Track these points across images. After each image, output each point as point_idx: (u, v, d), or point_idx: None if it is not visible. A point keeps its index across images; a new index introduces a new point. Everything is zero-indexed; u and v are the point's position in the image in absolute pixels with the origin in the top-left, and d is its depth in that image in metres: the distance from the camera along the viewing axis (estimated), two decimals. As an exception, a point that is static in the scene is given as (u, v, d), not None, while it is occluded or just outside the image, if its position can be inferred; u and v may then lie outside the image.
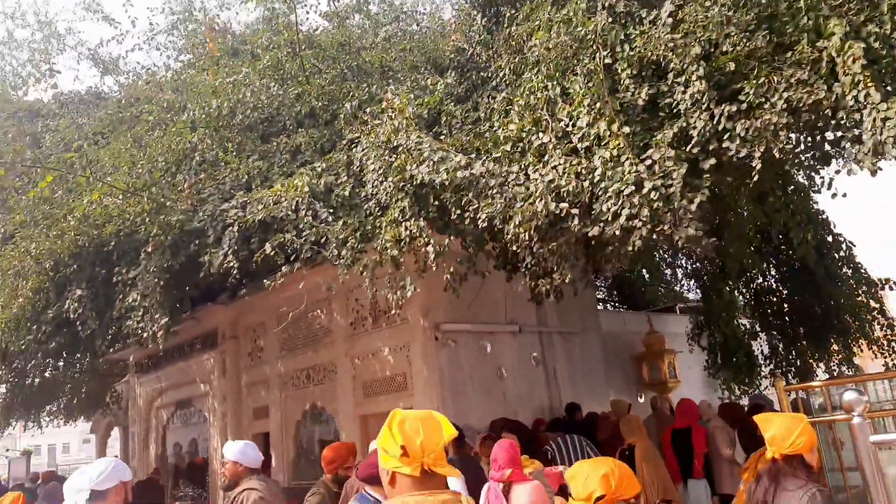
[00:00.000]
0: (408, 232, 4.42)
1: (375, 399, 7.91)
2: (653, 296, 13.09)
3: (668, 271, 12.89)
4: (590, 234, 3.76)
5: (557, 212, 3.71)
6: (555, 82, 4.36)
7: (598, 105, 3.92)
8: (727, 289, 10.25)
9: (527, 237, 3.88)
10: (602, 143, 3.86)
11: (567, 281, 4.08)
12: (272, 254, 5.03)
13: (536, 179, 3.91)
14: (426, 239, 4.36)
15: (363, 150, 5.16)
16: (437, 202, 4.55)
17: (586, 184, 3.76)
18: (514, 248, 4.13)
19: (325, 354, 8.72)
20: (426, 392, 7.22)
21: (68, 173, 5.24)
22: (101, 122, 7.92)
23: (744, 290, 10.21)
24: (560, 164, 3.87)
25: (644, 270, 12.45)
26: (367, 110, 5.48)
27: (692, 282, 11.61)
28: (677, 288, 12.97)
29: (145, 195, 5.41)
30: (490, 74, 5.33)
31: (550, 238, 3.92)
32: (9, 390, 17.27)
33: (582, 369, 9.06)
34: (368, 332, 8.11)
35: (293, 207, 4.69)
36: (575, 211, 3.71)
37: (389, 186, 4.61)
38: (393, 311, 7.78)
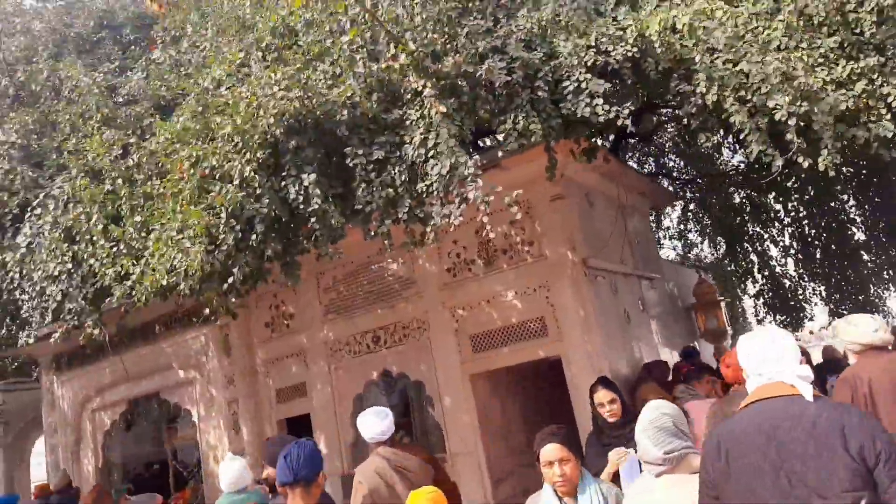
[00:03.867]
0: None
1: (495, 352, 6.72)
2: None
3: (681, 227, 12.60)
4: None
5: None
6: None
7: None
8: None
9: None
10: None
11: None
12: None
13: None
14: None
15: None
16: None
17: None
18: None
19: (406, 310, 7.31)
20: (583, 336, 6.22)
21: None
22: None
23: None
24: None
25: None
26: None
27: (705, 239, 11.60)
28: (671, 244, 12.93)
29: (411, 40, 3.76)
30: None
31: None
32: None
33: (661, 317, 8.57)
34: (478, 277, 6.89)
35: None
36: None
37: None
38: (523, 248, 6.68)
